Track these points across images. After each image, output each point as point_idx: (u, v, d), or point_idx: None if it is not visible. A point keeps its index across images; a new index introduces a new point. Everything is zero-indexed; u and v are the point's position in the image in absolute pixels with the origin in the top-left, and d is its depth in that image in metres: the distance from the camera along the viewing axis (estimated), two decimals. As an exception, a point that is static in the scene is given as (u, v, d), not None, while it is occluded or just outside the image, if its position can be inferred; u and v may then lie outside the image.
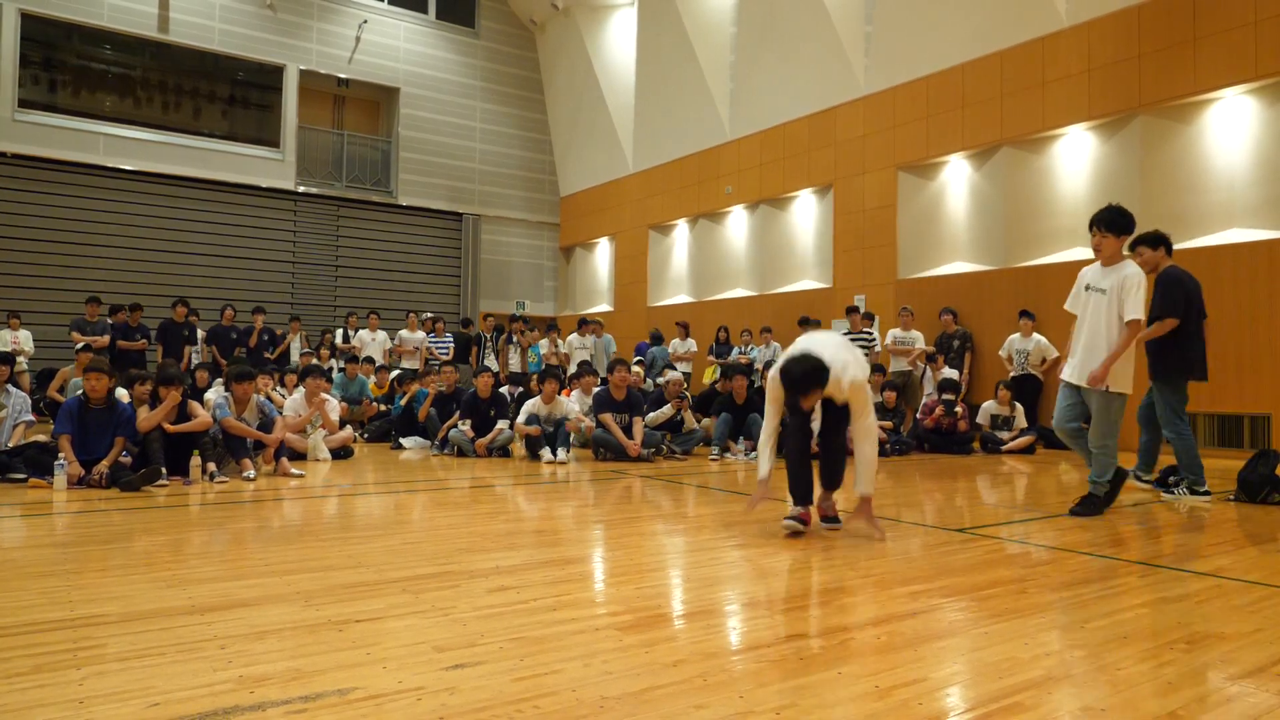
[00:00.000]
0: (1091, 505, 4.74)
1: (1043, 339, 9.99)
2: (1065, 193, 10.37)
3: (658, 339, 13.26)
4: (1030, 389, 9.85)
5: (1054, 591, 3.02)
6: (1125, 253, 6.37)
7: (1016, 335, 10.10)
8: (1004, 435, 9.17)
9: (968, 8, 11.00)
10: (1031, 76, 10.45)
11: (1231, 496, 5.58)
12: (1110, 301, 4.61)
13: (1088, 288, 4.77)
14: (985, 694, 2.01)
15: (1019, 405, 9.33)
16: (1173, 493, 5.49)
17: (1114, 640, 2.43)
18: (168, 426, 5.79)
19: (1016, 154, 10.78)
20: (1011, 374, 10.01)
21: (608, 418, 7.87)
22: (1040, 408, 9.90)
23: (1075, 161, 10.28)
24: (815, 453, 4.37)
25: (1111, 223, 4.66)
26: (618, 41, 17.39)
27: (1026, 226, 10.66)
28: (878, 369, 9.96)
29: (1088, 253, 9.83)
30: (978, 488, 6.31)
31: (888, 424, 9.01)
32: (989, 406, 9.41)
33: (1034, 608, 2.79)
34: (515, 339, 12.88)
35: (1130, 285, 4.54)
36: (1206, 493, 5.42)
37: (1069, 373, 4.89)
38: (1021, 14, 10.49)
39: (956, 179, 11.55)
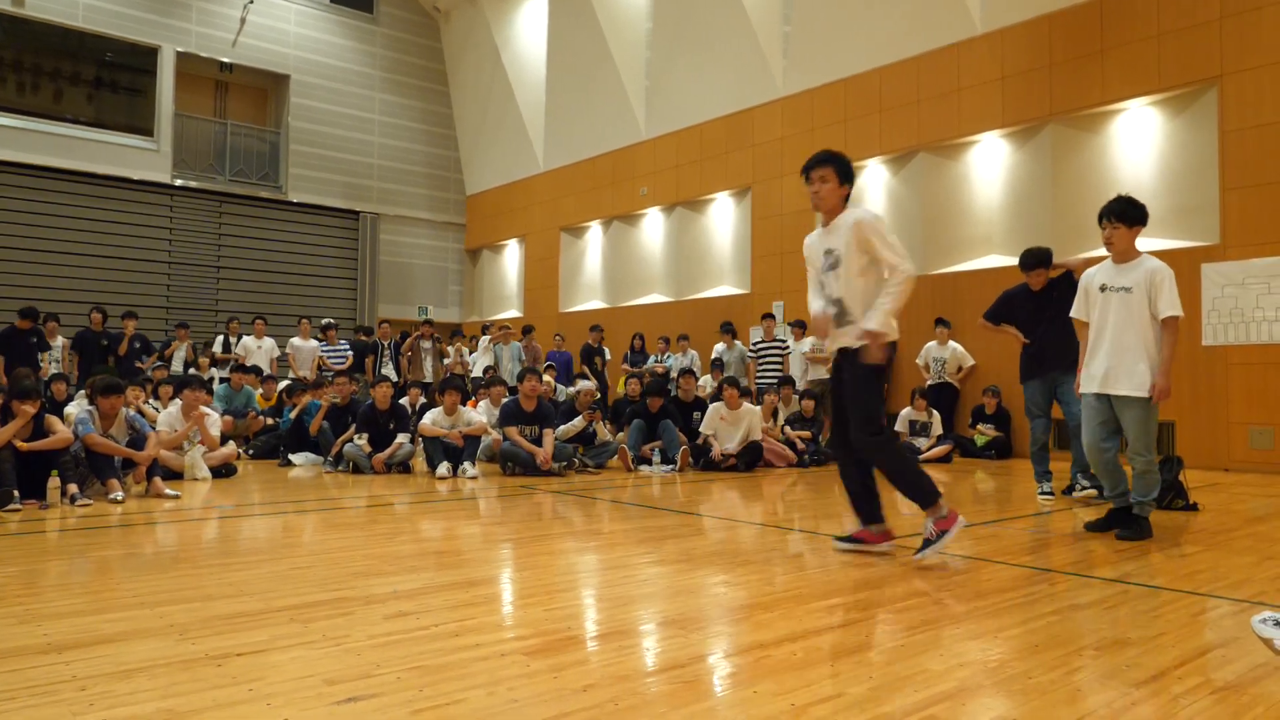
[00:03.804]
0: (1141, 527, 4.38)
1: (959, 347, 10.00)
2: (980, 200, 10.43)
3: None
4: (947, 397, 9.85)
5: (969, 601, 3.05)
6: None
7: (933, 343, 10.09)
8: (921, 444, 9.11)
9: (885, 11, 10.94)
10: (947, 82, 10.47)
11: None
12: (1138, 299, 4.26)
13: (1103, 288, 4.42)
14: (900, 708, 2.01)
15: (935, 412, 9.31)
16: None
17: (1026, 649, 2.48)
18: (20, 444, 5.30)
19: (933, 160, 10.79)
20: (929, 382, 9.98)
21: (512, 431, 7.45)
22: (957, 416, 9.89)
23: (990, 169, 10.35)
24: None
25: (1124, 214, 4.35)
26: (527, 32, 16.74)
27: (942, 233, 10.68)
28: (787, 380, 9.82)
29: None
30: (895, 499, 6.25)
31: (806, 434, 8.89)
32: (907, 413, 9.37)
33: (950, 619, 2.82)
34: (425, 343, 12.05)
35: (1159, 280, 4.23)
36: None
37: (1095, 383, 4.40)
38: (937, 19, 10.50)
39: (874, 184, 11.49)
